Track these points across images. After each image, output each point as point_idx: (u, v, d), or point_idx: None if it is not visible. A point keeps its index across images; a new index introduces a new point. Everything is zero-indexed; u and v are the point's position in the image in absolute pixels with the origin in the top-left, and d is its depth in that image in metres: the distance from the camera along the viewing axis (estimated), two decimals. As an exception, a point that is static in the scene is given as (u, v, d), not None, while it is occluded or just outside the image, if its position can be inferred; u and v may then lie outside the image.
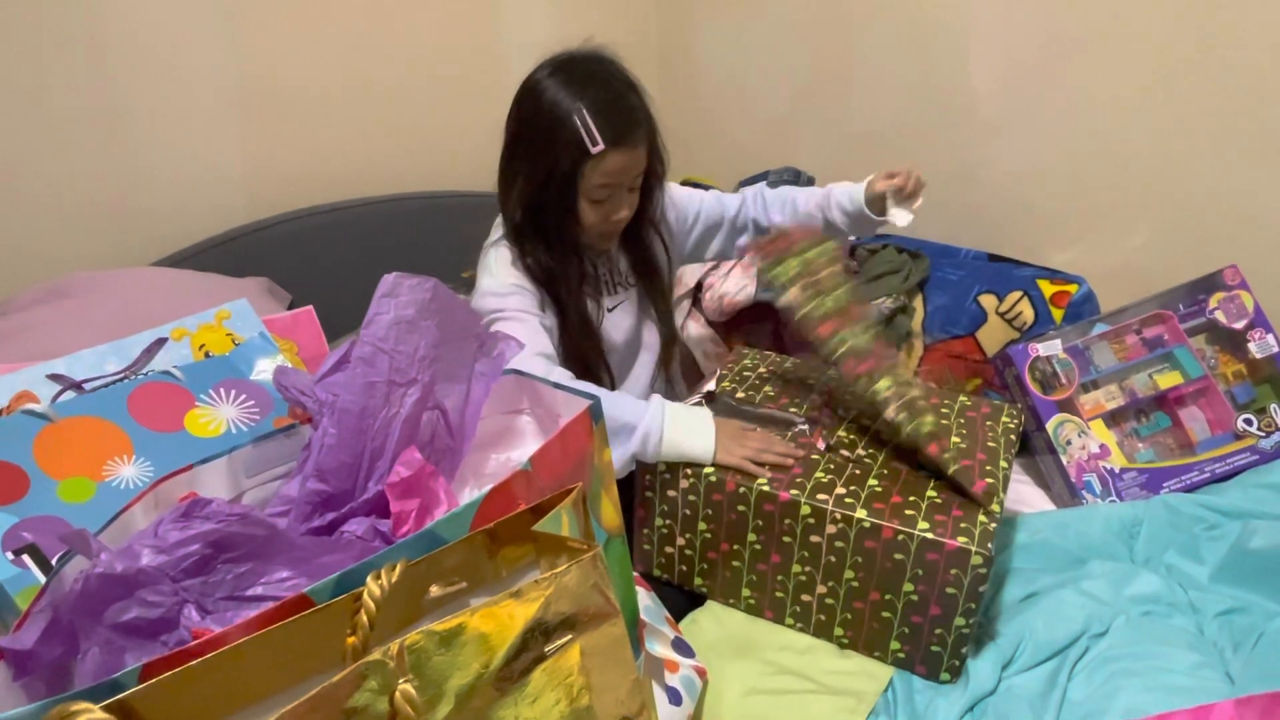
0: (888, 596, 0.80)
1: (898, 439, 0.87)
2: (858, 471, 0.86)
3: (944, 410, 0.97)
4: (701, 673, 0.77)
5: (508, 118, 0.98)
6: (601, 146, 0.90)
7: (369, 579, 0.40)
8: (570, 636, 0.43)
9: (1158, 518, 0.99)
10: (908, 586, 0.79)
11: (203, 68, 1.33)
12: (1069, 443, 1.09)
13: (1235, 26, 1.16)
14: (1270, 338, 1.09)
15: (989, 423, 0.95)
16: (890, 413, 0.84)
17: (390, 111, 1.54)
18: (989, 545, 0.75)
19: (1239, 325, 1.10)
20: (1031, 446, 1.15)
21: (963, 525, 0.78)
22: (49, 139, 1.21)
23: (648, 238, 1.08)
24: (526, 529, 0.47)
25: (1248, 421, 1.08)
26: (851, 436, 0.92)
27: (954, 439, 0.90)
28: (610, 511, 0.60)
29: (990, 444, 0.90)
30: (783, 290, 0.88)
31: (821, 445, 0.90)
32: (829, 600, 0.84)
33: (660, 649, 0.76)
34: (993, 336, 1.30)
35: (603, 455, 0.59)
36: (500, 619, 0.40)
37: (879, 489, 0.83)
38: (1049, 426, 1.09)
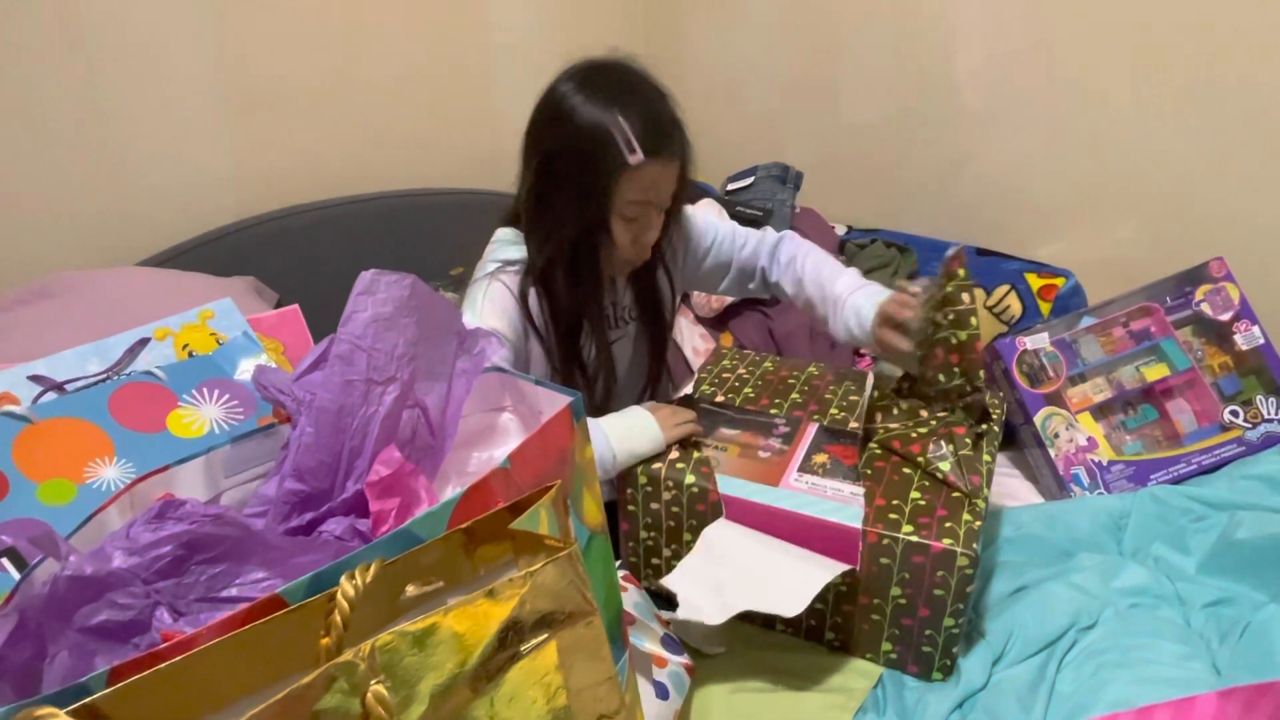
0: (876, 600, 0.80)
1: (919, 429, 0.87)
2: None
3: (923, 413, 0.96)
4: (690, 669, 0.77)
5: (533, 135, 0.92)
6: (641, 156, 0.85)
7: (343, 579, 0.40)
8: (547, 635, 0.42)
9: (1145, 510, 0.99)
10: (895, 590, 0.78)
11: (187, 67, 1.32)
12: (1057, 436, 1.09)
13: (1222, 20, 1.16)
14: (1256, 329, 1.10)
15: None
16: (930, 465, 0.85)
17: (376, 109, 1.54)
18: (974, 545, 0.75)
19: (1225, 317, 1.11)
20: (1019, 440, 1.15)
21: (947, 526, 0.77)
22: (33, 139, 1.20)
23: (656, 270, 1.03)
24: (504, 527, 0.46)
25: (1234, 413, 1.08)
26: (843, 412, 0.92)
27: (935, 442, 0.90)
28: (593, 508, 0.59)
29: (966, 439, 0.89)
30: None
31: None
32: (818, 605, 0.83)
33: (649, 645, 0.75)
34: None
35: (584, 452, 0.59)
36: (475, 618, 0.40)
37: (861, 493, 0.82)
38: (1036, 420, 1.09)
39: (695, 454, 0.88)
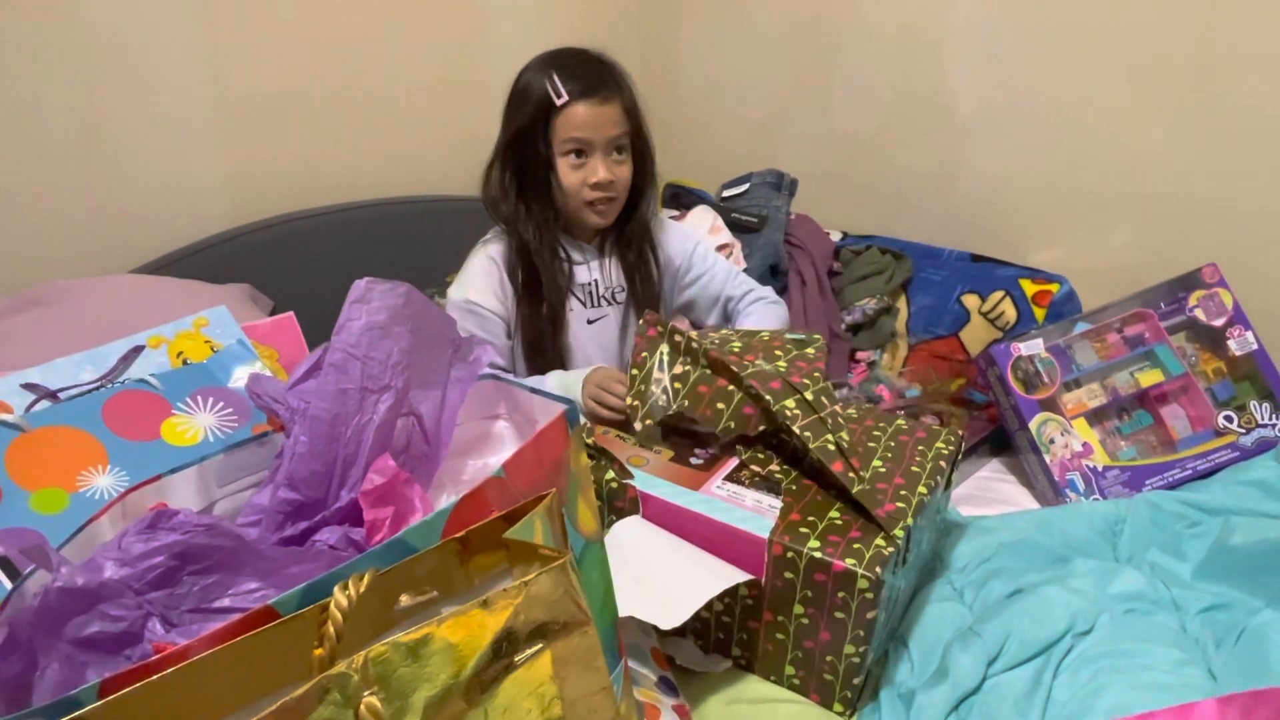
0: (780, 618, 0.76)
1: (808, 454, 0.83)
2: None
3: (875, 433, 0.93)
4: (683, 712, 0.75)
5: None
6: (566, 98, 0.96)
7: (336, 589, 0.40)
8: (541, 645, 0.42)
9: (1140, 515, 0.99)
10: (798, 609, 0.75)
11: (183, 73, 1.32)
12: (1052, 441, 1.09)
13: (1214, 27, 1.17)
14: (1249, 335, 1.10)
15: (920, 447, 0.90)
16: (797, 428, 0.81)
17: (373, 116, 1.54)
18: (877, 569, 0.70)
19: (1218, 323, 1.11)
20: (1015, 446, 1.15)
21: (855, 547, 0.73)
22: (28, 145, 1.20)
23: (641, 246, 1.09)
24: (499, 536, 0.46)
25: (1228, 418, 1.09)
26: (766, 452, 0.88)
27: (875, 462, 0.86)
28: (588, 517, 0.59)
29: (914, 468, 0.86)
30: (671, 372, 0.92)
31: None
32: (725, 618, 0.80)
33: (642, 694, 0.73)
34: (976, 336, 1.31)
35: (579, 460, 0.59)
36: (469, 628, 0.39)
37: (779, 506, 0.79)
38: (1032, 426, 1.09)
39: (626, 451, 0.86)
